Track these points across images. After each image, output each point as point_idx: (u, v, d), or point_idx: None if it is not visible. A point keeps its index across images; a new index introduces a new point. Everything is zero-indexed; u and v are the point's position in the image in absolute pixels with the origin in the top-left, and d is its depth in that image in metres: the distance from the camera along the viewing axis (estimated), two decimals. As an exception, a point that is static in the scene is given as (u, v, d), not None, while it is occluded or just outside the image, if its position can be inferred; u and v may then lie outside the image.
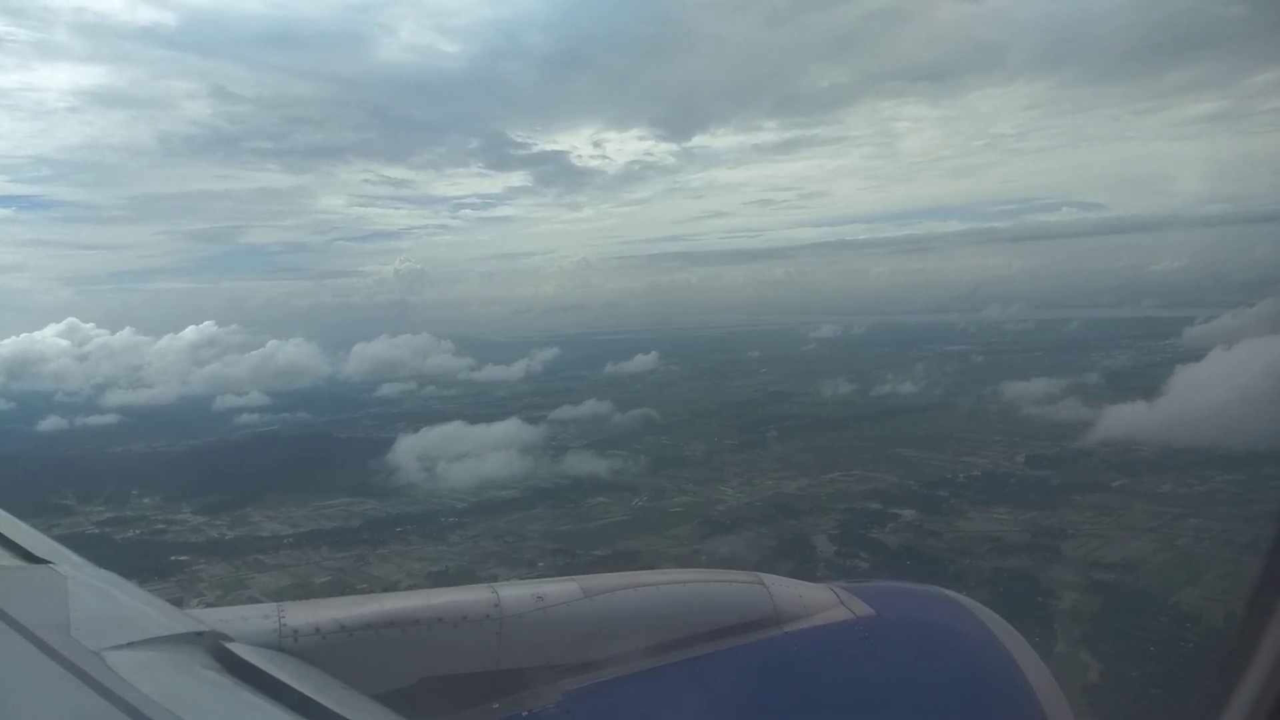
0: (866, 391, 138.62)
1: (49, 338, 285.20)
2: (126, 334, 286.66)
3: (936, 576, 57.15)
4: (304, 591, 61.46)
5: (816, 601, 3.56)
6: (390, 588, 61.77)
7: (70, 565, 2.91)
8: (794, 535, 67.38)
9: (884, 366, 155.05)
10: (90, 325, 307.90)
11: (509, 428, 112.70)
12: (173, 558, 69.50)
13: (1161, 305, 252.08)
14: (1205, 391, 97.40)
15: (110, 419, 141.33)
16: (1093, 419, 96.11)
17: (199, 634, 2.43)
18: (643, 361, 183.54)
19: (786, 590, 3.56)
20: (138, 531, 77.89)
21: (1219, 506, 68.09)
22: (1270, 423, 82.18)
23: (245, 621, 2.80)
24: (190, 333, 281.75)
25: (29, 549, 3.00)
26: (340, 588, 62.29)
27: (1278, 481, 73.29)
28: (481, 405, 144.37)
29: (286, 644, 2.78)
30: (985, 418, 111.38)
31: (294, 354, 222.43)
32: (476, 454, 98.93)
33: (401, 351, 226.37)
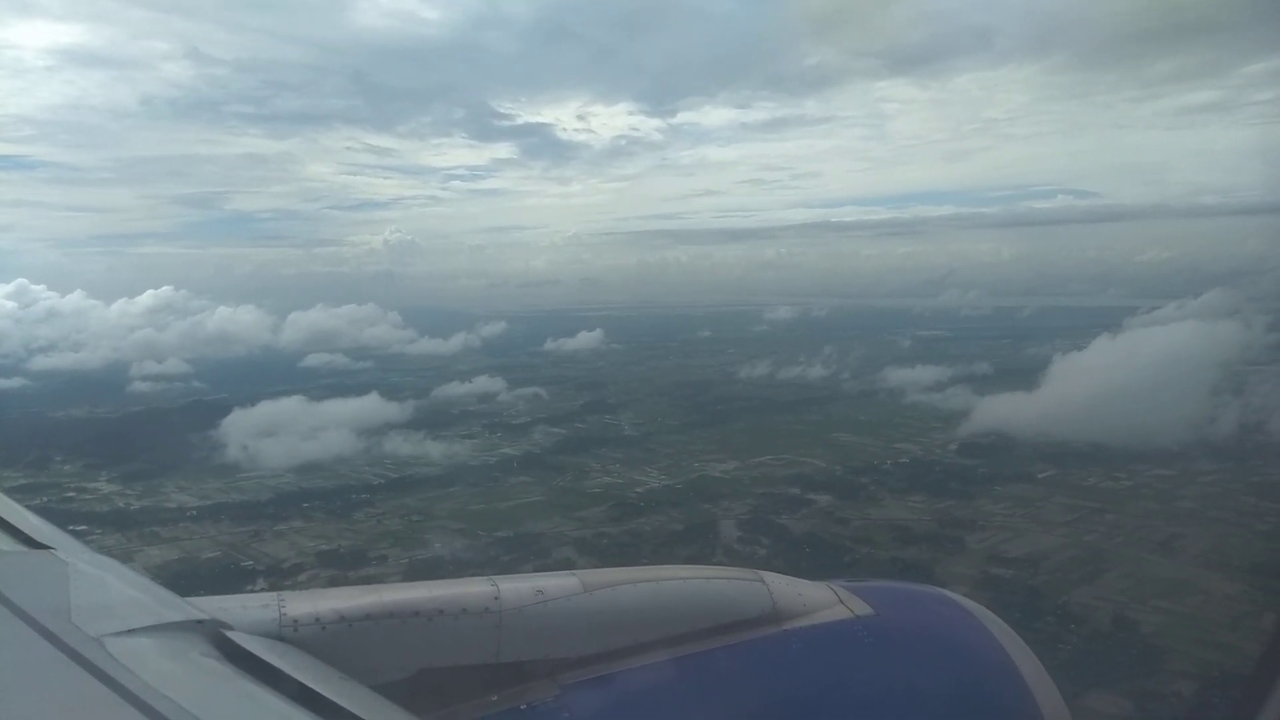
0: (807, 374, 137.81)
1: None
2: (76, 297, 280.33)
3: (832, 565, 55.48)
4: (186, 567, 59.29)
5: (816, 600, 3.50)
6: (274, 566, 59.64)
7: (71, 551, 2.95)
8: (702, 519, 65.46)
9: (828, 350, 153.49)
10: (40, 287, 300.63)
11: (365, 404, 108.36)
12: (69, 527, 66.08)
13: (1129, 295, 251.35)
14: (1078, 382, 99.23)
15: (39, 383, 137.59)
16: (971, 407, 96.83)
17: (199, 622, 2.42)
18: (586, 339, 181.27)
19: (786, 588, 3.49)
20: (45, 499, 74.81)
21: (1141, 502, 67.07)
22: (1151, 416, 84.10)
23: (245, 610, 2.75)
24: (147, 298, 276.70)
25: (30, 534, 3.06)
26: (224, 564, 60.05)
27: (1208, 478, 73.28)
28: (388, 378, 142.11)
29: (286, 633, 2.73)
30: (930, 404, 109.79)
31: (232, 322, 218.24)
32: (308, 431, 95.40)
33: (339, 321, 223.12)
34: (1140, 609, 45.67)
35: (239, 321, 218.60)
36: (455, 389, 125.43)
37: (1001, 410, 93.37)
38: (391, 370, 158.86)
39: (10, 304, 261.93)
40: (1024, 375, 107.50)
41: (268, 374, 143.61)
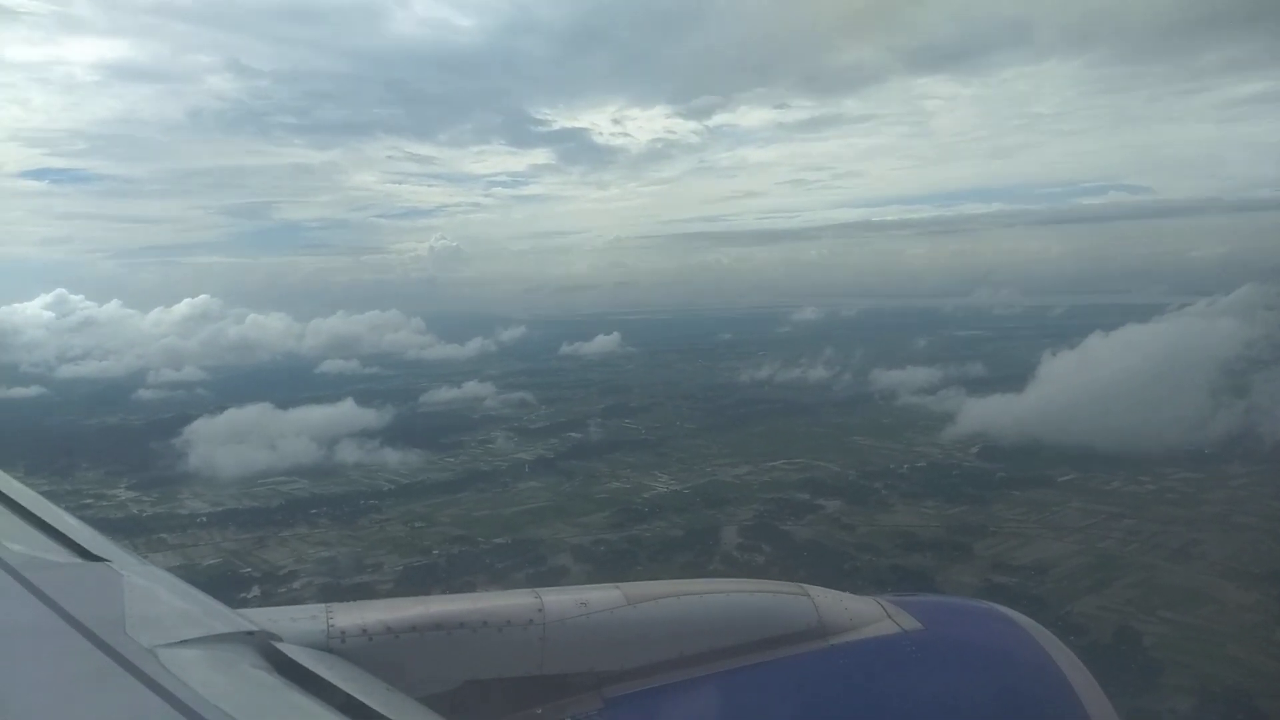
0: (826, 377, 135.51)
1: (34, 309, 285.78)
2: (113, 307, 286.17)
3: (830, 573, 53.76)
4: (186, 574, 58.78)
5: (862, 614, 3.43)
6: (271, 573, 59.36)
7: (126, 563, 2.98)
8: (705, 525, 64.14)
9: (851, 351, 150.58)
10: (79, 297, 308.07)
11: (340, 412, 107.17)
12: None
13: (1172, 291, 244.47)
14: (1066, 381, 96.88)
15: (58, 391, 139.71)
16: (993, 409, 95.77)
17: (249, 633, 2.48)
18: (603, 343, 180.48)
19: (832, 602, 3.43)
20: (63, 507, 75.52)
21: (1162, 507, 64.50)
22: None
23: (294, 622, 2.82)
24: (183, 307, 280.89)
25: (86, 547, 3.07)
26: (223, 570, 59.86)
27: (1237, 481, 70.50)
28: (390, 384, 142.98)
29: (334, 645, 2.80)
30: (953, 406, 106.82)
31: (257, 329, 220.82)
32: (289, 438, 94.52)
33: (359, 328, 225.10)
34: (1146, 619, 43.59)
35: (265, 328, 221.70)
36: (445, 394, 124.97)
37: (1022, 411, 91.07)
38: (407, 375, 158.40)
39: (48, 314, 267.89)
40: (1047, 376, 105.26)
41: (280, 381, 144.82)
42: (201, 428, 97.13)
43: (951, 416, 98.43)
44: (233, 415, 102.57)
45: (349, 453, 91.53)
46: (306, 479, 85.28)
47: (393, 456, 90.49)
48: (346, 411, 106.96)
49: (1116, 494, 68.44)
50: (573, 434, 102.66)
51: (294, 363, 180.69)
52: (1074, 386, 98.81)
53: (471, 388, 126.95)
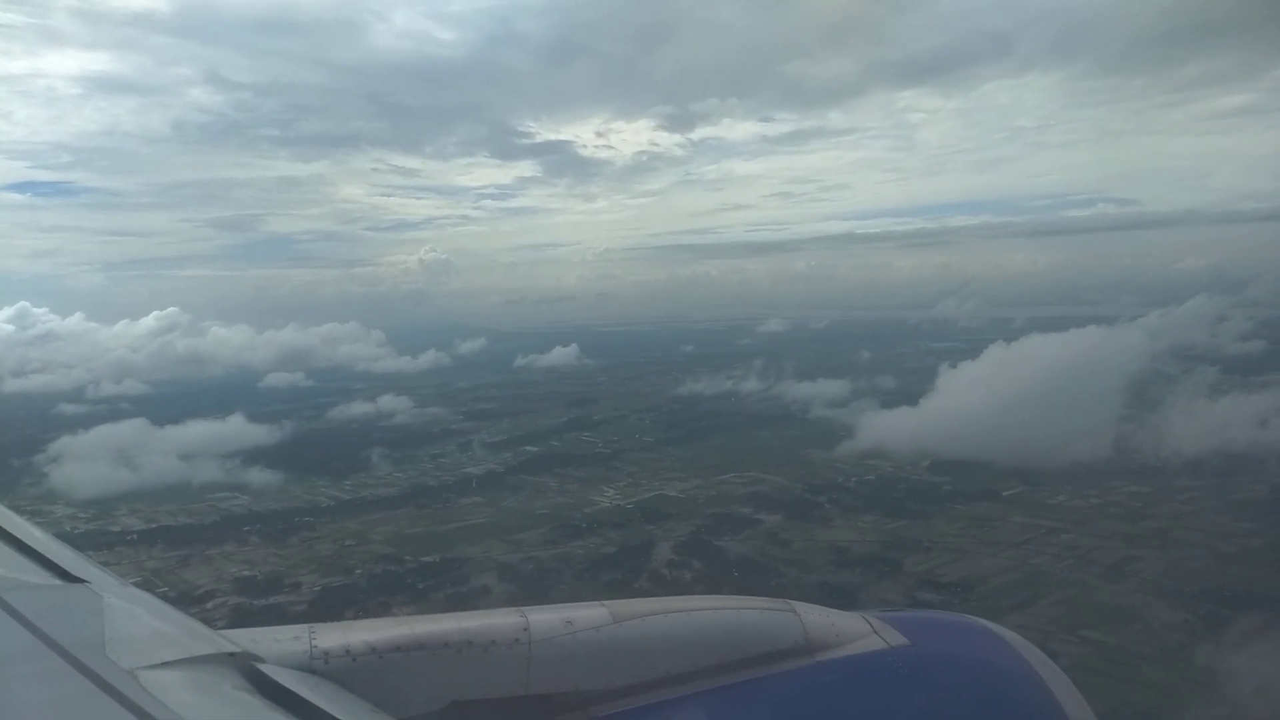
0: (785, 389, 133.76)
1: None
2: (75, 320, 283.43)
3: (757, 590, 52.64)
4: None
5: (849, 630, 3.43)
6: (188, 593, 57.55)
7: (106, 585, 2.95)
8: (639, 541, 62.63)
9: (818, 363, 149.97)
10: (43, 310, 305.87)
11: (227, 428, 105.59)
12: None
13: (1142, 303, 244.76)
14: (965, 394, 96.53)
15: (13, 405, 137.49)
16: (948, 423, 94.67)
17: (231, 655, 2.46)
18: (560, 355, 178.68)
19: (818, 618, 3.42)
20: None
21: (1104, 522, 63.42)
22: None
23: (277, 643, 2.80)
24: (149, 320, 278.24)
25: (66, 568, 3.06)
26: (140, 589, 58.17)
27: (1186, 495, 69.69)
28: (323, 398, 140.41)
29: (317, 666, 2.76)
30: (909, 419, 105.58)
31: (210, 342, 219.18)
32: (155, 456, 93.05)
33: (313, 340, 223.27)
34: (1066, 639, 42.35)
35: (222, 341, 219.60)
36: (357, 408, 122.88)
37: (977, 427, 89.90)
38: (357, 388, 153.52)
39: (9, 327, 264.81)
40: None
41: (219, 394, 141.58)
42: (66, 445, 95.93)
43: (907, 430, 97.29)
44: (107, 430, 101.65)
45: (269, 471, 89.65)
46: (247, 495, 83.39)
47: (310, 473, 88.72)
48: (237, 427, 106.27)
49: (1060, 508, 67.47)
50: (529, 448, 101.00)
51: (244, 376, 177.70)
52: (974, 399, 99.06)
53: (424, 401, 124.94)
